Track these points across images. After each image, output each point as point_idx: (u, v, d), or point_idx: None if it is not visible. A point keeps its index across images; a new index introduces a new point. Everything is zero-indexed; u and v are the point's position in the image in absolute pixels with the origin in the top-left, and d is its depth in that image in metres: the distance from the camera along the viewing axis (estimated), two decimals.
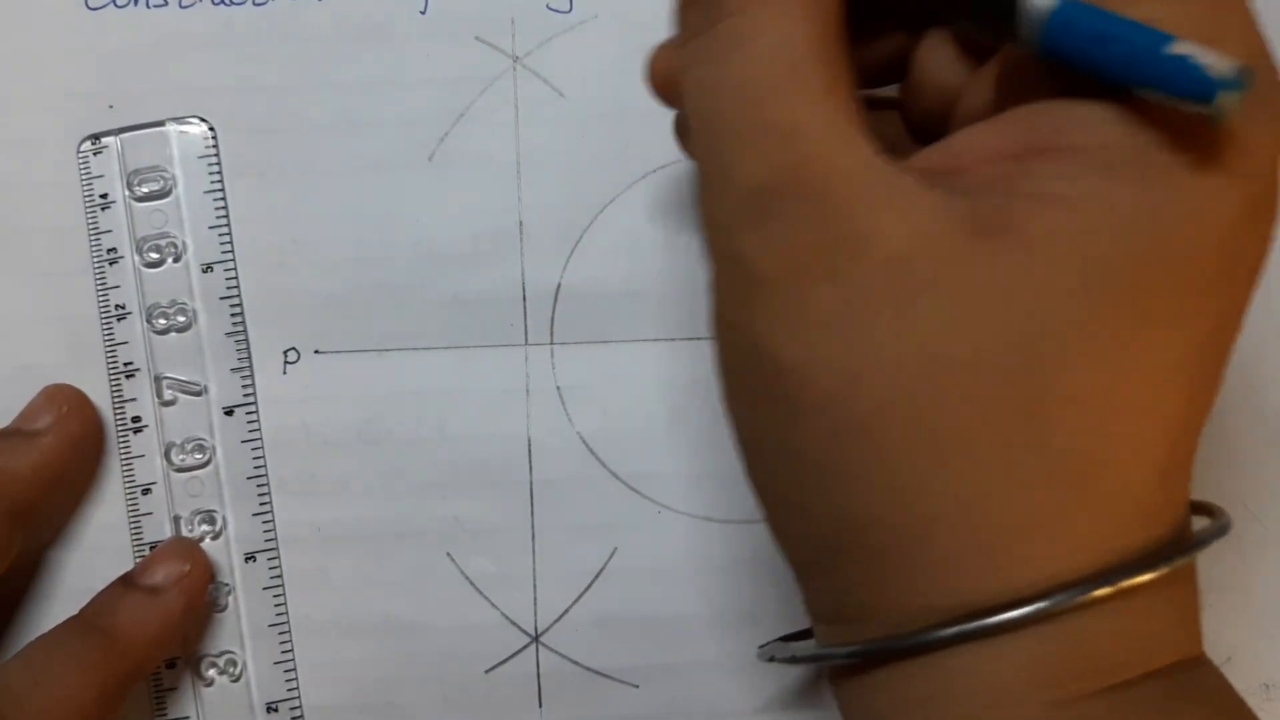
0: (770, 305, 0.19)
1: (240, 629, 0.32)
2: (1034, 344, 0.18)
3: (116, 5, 0.33)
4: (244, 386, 0.32)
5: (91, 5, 0.33)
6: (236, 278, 0.33)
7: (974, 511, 0.19)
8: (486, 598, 0.32)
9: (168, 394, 0.32)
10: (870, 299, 0.18)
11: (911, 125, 0.24)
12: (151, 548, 0.32)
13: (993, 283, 0.18)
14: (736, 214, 0.20)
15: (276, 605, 0.32)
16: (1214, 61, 0.17)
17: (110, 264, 0.33)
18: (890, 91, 0.24)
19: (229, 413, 0.32)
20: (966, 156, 0.20)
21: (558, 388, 0.33)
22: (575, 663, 0.32)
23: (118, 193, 0.33)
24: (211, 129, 0.33)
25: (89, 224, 0.33)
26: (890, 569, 0.20)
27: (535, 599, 0.32)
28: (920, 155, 0.21)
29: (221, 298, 0.33)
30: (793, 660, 0.23)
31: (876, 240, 0.18)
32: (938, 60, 0.23)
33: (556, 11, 0.33)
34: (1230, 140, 0.18)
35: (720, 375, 0.21)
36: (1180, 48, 0.17)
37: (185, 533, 0.32)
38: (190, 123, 0.33)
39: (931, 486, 0.19)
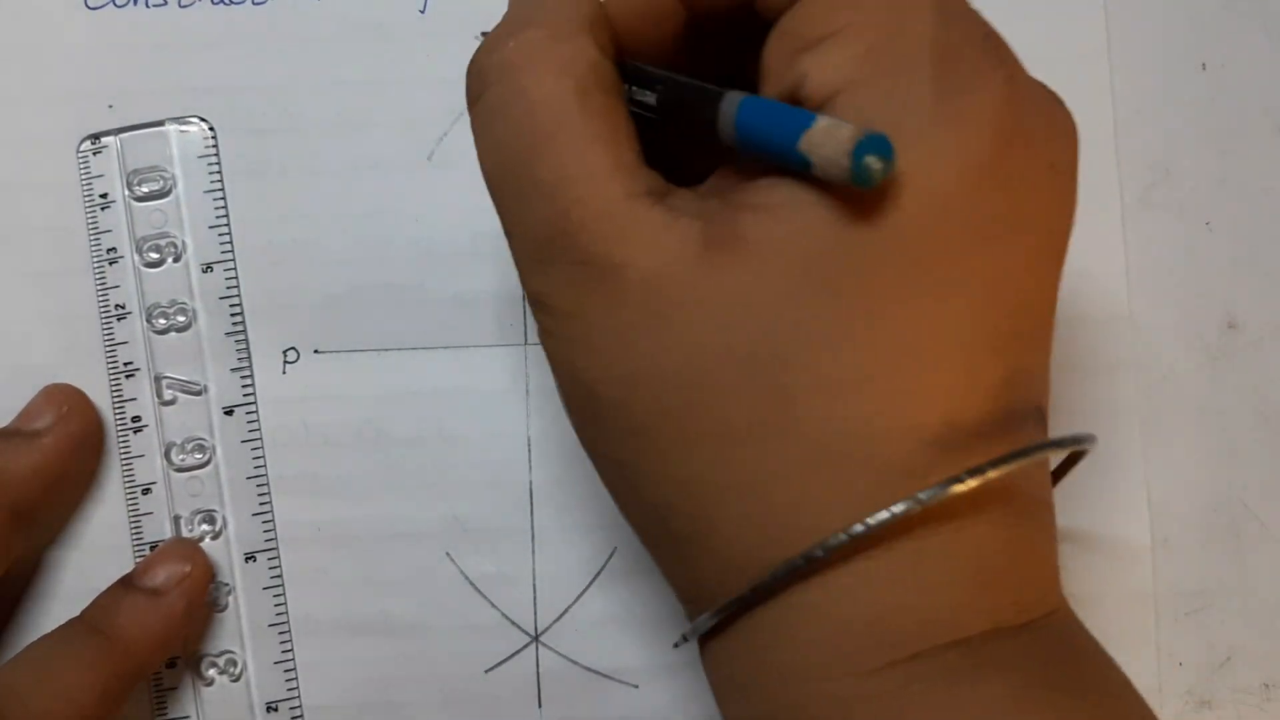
0: (564, 331, 0.22)
1: (240, 629, 0.32)
2: (770, 341, 0.20)
3: (116, 5, 0.33)
4: (244, 386, 0.32)
5: (91, 5, 0.33)
6: (236, 277, 0.33)
7: (750, 497, 0.21)
8: (486, 597, 0.32)
9: (168, 394, 0.32)
10: (632, 318, 0.21)
11: None
12: (152, 547, 0.32)
13: (727, 291, 0.20)
14: (527, 261, 0.22)
15: (276, 605, 0.32)
16: (842, 133, 0.19)
17: (110, 264, 0.33)
18: None
19: (229, 412, 0.32)
20: (737, 177, 0.22)
21: None
22: (575, 663, 0.32)
23: (117, 192, 0.33)
24: (211, 129, 0.33)
25: (89, 224, 0.33)
26: (694, 554, 0.22)
27: (535, 599, 0.32)
28: (710, 180, 0.23)
29: (221, 297, 0.33)
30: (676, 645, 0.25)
31: (630, 268, 0.21)
32: None
33: None
34: (930, 125, 0.20)
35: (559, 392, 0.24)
36: (820, 124, 0.19)
37: (185, 533, 0.32)
38: (190, 122, 0.33)
39: (711, 477, 0.21)
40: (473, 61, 0.23)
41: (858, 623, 0.20)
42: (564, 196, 0.21)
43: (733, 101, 0.21)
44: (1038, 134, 0.21)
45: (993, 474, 0.20)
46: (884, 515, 0.20)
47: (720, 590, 0.22)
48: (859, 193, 0.20)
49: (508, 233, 0.23)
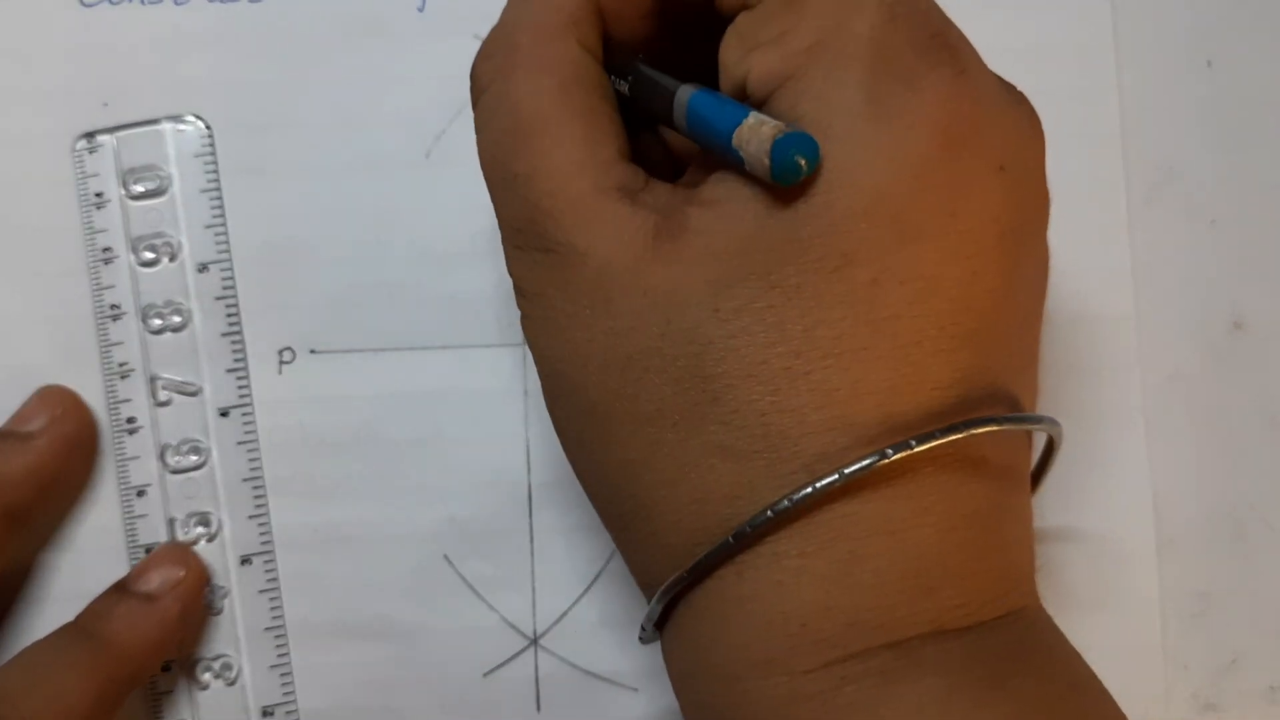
0: (534, 313, 0.23)
1: (236, 632, 0.32)
2: (704, 329, 0.21)
3: (111, 2, 0.33)
4: (239, 387, 0.32)
5: (86, 1, 0.33)
6: (232, 277, 0.32)
7: (686, 482, 0.21)
8: (485, 600, 0.32)
9: (163, 395, 0.32)
10: (588, 303, 0.22)
11: None
12: (147, 550, 0.32)
13: (666, 279, 0.21)
14: (507, 246, 0.24)
15: (273, 608, 0.32)
16: (764, 129, 0.19)
17: (105, 263, 0.32)
18: None
19: (224, 414, 0.32)
20: (703, 171, 0.23)
21: None
22: (574, 666, 0.32)
23: (113, 191, 0.32)
24: (208, 127, 0.33)
25: (84, 223, 0.32)
26: (641, 538, 0.23)
27: (534, 601, 0.32)
28: (685, 174, 0.24)
29: (217, 297, 0.32)
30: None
31: (589, 256, 0.22)
32: None
33: None
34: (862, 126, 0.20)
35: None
36: (747, 121, 0.20)
37: (180, 535, 0.32)
38: (186, 120, 0.33)
39: (651, 460, 0.22)
40: (472, 67, 0.24)
41: (792, 622, 0.21)
42: (537, 188, 0.22)
43: (684, 95, 0.22)
44: (987, 134, 0.21)
45: (919, 448, 0.20)
46: (808, 490, 0.20)
47: (665, 576, 0.22)
48: (786, 188, 0.20)
49: (497, 221, 0.24)
